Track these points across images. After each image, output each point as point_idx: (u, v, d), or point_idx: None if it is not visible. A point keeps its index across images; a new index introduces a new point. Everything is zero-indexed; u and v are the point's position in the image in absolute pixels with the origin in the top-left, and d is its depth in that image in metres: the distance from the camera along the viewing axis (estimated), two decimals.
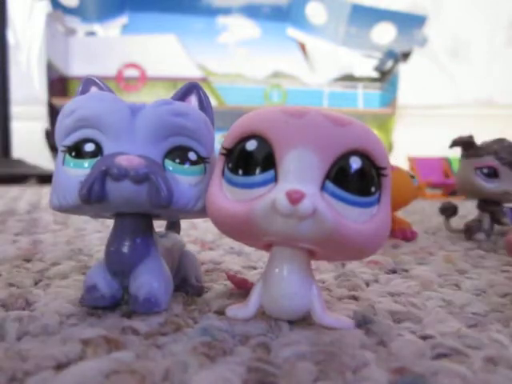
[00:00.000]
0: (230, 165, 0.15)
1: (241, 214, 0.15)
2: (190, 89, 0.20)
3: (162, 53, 1.47)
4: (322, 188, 0.14)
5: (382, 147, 0.15)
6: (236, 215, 0.15)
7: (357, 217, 0.15)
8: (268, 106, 0.16)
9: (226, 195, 0.15)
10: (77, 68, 1.43)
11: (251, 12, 1.52)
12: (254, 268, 0.27)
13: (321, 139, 0.14)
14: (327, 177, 0.14)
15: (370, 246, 0.15)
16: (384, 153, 0.15)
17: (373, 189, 0.15)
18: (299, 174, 0.14)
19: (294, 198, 0.13)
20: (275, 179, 0.14)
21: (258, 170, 0.15)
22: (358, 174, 0.14)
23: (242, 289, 0.20)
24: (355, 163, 0.14)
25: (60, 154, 0.18)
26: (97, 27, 1.49)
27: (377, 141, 0.15)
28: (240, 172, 0.15)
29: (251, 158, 0.15)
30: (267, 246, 0.17)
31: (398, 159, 1.00)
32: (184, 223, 0.26)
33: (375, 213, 0.15)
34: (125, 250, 0.18)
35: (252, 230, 0.15)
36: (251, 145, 0.15)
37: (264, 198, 0.14)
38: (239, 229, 0.15)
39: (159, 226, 0.21)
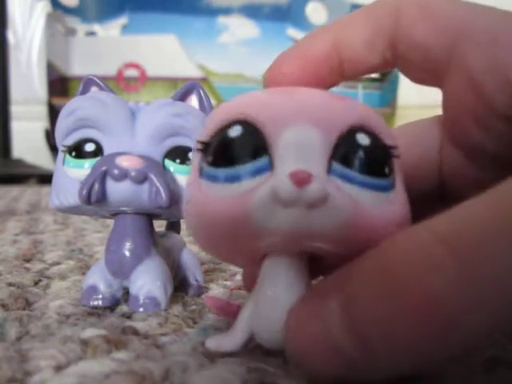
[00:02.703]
0: (209, 159, 0.12)
1: (231, 213, 0.11)
2: (190, 89, 0.20)
3: (162, 53, 1.47)
4: (329, 171, 0.11)
5: (387, 126, 0.13)
6: (226, 214, 0.11)
7: (374, 202, 0.12)
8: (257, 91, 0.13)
9: (208, 195, 0.12)
10: (77, 68, 1.43)
11: (251, 12, 1.52)
12: None
13: (320, 113, 0.12)
14: (332, 157, 0.11)
15: (392, 235, 0.12)
16: (390, 131, 0.13)
17: (386, 169, 0.12)
18: (300, 156, 0.11)
19: (301, 178, 0.11)
20: (270, 166, 0.11)
21: (246, 159, 0.12)
22: (368, 152, 0.12)
23: (226, 314, 0.16)
24: (363, 140, 0.12)
25: (60, 154, 0.18)
26: (97, 27, 1.49)
27: (380, 118, 0.13)
28: (223, 164, 0.12)
29: (236, 146, 0.12)
30: (258, 260, 0.14)
31: None
32: (184, 223, 0.26)
33: (393, 198, 0.12)
34: (125, 249, 0.18)
35: (246, 231, 0.12)
36: (234, 131, 0.12)
37: (262, 187, 0.11)
38: (230, 233, 0.12)
39: (159, 225, 0.21)
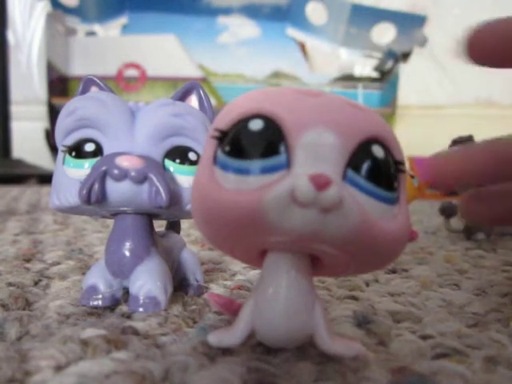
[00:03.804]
0: (226, 148, 0.12)
1: (245, 206, 0.11)
2: (190, 89, 0.20)
3: (162, 53, 1.47)
4: (344, 177, 0.12)
5: (397, 140, 0.13)
6: (239, 207, 0.12)
7: (381, 213, 0.12)
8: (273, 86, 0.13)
9: (221, 185, 0.12)
10: (77, 68, 1.43)
11: (251, 12, 1.52)
12: (254, 268, 0.27)
13: (342, 120, 0.12)
14: (348, 164, 0.12)
15: (394, 251, 0.13)
16: (400, 146, 0.13)
17: (395, 183, 0.13)
18: (320, 159, 0.11)
19: (321, 182, 0.11)
20: (287, 164, 0.12)
21: (264, 153, 0.12)
22: (381, 165, 0.12)
23: (228, 312, 0.17)
24: (378, 152, 0.12)
25: (60, 154, 0.18)
26: (97, 27, 1.49)
27: (393, 133, 0.13)
28: (240, 155, 0.12)
29: (255, 139, 0.12)
30: (258, 255, 0.14)
31: None
32: (184, 223, 0.26)
33: (397, 212, 0.13)
34: (125, 249, 0.18)
35: (258, 226, 0.12)
36: (256, 124, 0.12)
37: (278, 184, 0.11)
38: (239, 225, 0.12)
39: (159, 225, 0.21)
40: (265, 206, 0.11)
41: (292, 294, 0.13)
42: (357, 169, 0.12)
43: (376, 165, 0.12)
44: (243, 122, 0.12)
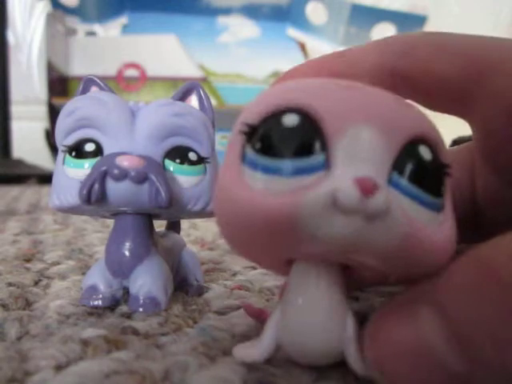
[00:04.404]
0: (256, 145, 0.11)
1: (276, 210, 0.10)
2: (190, 89, 0.20)
3: (162, 53, 1.47)
4: (389, 180, 0.10)
5: (444, 141, 0.12)
6: (268, 211, 0.10)
7: (429, 221, 0.11)
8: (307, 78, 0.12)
9: (249, 186, 0.11)
10: (77, 68, 1.43)
11: (251, 12, 1.52)
12: (254, 268, 0.27)
13: (387, 117, 0.11)
14: (394, 167, 0.10)
15: (439, 261, 0.11)
16: (446, 148, 0.12)
17: (442, 188, 0.11)
18: (363, 160, 0.10)
19: (367, 186, 0.09)
20: (326, 165, 0.10)
21: (299, 152, 0.10)
22: (429, 168, 0.11)
23: (259, 321, 0.16)
24: (426, 154, 0.11)
25: (60, 154, 0.18)
26: (97, 27, 1.49)
27: (439, 133, 0.12)
28: (272, 154, 0.11)
29: (290, 136, 0.11)
30: (288, 264, 0.13)
31: None
32: (184, 223, 0.26)
33: (442, 219, 0.11)
34: (125, 249, 0.18)
35: (290, 234, 0.10)
36: (290, 119, 0.11)
37: (316, 187, 0.10)
38: (269, 232, 0.11)
39: (159, 225, 0.21)
40: (300, 211, 0.10)
41: (321, 306, 0.12)
42: (403, 171, 0.11)
43: (423, 167, 0.11)
44: (276, 117, 0.11)
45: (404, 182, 0.11)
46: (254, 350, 0.12)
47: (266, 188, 0.10)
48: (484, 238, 0.10)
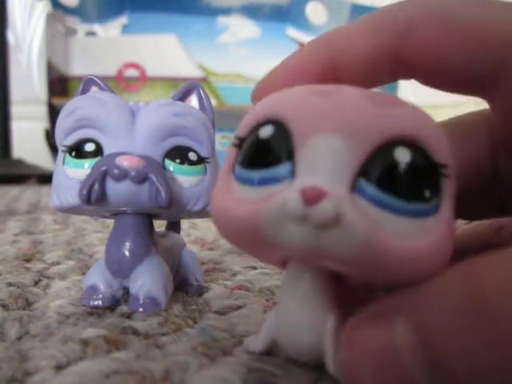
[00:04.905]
0: (239, 157, 0.12)
1: (244, 218, 0.11)
2: (190, 89, 0.20)
3: (162, 53, 1.47)
4: (354, 188, 0.10)
5: (442, 138, 0.11)
6: (239, 219, 0.11)
7: (404, 229, 0.10)
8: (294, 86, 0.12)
9: (233, 195, 0.12)
10: (77, 68, 1.43)
11: (251, 12, 1.52)
12: (254, 268, 0.27)
13: (354, 122, 0.10)
14: (362, 173, 0.10)
15: (422, 269, 0.10)
16: (445, 145, 0.11)
17: (427, 193, 0.10)
18: (322, 168, 0.10)
19: (310, 197, 0.10)
20: (291, 175, 0.11)
21: (272, 163, 0.11)
22: (405, 171, 0.10)
23: None
24: (402, 155, 0.10)
25: (60, 154, 0.18)
26: (97, 27, 1.49)
27: (434, 128, 0.11)
28: (250, 165, 0.11)
29: (265, 148, 0.11)
30: (284, 263, 0.13)
31: None
32: (184, 223, 0.26)
33: (431, 226, 0.10)
34: (125, 249, 0.18)
35: (259, 239, 0.11)
36: (266, 131, 0.11)
37: (273, 197, 0.10)
38: (245, 237, 0.11)
39: (159, 225, 0.21)
40: (260, 219, 0.10)
41: (311, 311, 0.12)
42: (371, 177, 0.10)
43: (397, 172, 0.10)
44: (256, 129, 0.11)
45: (371, 188, 0.10)
46: (254, 343, 0.14)
47: (242, 197, 0.11)
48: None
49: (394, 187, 0.10)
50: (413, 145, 0.10)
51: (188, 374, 0.13)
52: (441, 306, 0.09)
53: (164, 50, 1.47)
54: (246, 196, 0.11)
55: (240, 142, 0.12)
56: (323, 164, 0.10)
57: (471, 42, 0.11)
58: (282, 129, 0.11)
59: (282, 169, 0.11)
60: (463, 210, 0.12)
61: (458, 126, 0.15)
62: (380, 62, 0.12)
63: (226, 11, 1.53)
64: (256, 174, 0.11)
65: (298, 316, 0.12)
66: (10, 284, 0.21)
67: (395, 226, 0.10)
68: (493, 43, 0.11)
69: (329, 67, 0.13)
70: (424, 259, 0.10)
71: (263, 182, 0.11)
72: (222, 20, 1.53)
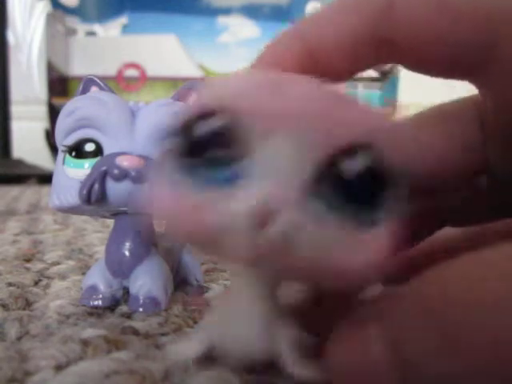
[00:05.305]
0: (180, 149, 0.10)
1: (181, 223, 0.10)
2: (190, 88, 0.20)
3: (162, 53, 1.47)
4: (304, 196, 0.09)
5: (399, 143, 0.10)
6: (186, 223, 0.10)
7: (347, 241, 0.10)
8: (242, 74, 0.11)
9: (174, 193, 0.10)
10: (77, 68, 1.43)
11: (251, 12, 1.52)
12: None
13: (310, 123, 0.09)
14: (314, 181, 0.10)
15: (355, 281, 0.10)
16: (406, 150, 0.10)
17: (375, 202, 0.10)
18: (272, 175, 0.09)
19: (259, 218, 0.09)
20: (240, 177, 0.09)
21: (215, 162, 0.10)
22: (353, 181, 0.10)
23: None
24: (352, 164, 0.10)
25: (60, 154, 0.18)
26: (97, 27, 1.49)
27: (397, 133, 0.10)
28: (192, 164, 0.10)
29: (208, 145, 0.10)
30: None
31: None
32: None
33: (370, 238, 0.10)
34: (125, 249, 0.18)
35: (206, 245, 0.10)
36: (210, 125, 0.10)
37: (221, 206, 0.09)
38: (192, 238, 0.11)
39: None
40: (208, 225, 0.09)
41: (254, 313, 0.11)
42: (319, 189, 0.09)
43: (344, 181, 0.10)
44: (198, 122, 0.10)
45: (319, 198, 0.09)
46: (188, 349, 0.12)
47: (185, 195, 0.10)
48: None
49: (339, 197, 0.10)
50: (367, 152, 0.10)
51: (188, 374, 0.13)
52: (403, 314, 0.09)
53: (164, 50, 1.47)
54: (188, 193, 0.10)
55: (182, 132, 0.10)
56: (273, 171, 0.09)
57: (461, 21, 0.10)
58: (229, 123, 0.10)
59: (228, 171, 0.10)
60: (450, 215, 0.12)
61: (444, 117, 0.14)
62: (359, 46, 0.11)
63: (226, 11, 1.53)
64: (201, 174, 0.10)
65: (246, 317, 0.11)
66: (9, 284, 0.21)
67: (337, 237, 0.10)
68: (485, 20, 0.10)
69: (306, 59, 0.12)
70: (357, 273, 0.10)
71: (208, 183, 0.10)
72: (221, 20, 1.53)
